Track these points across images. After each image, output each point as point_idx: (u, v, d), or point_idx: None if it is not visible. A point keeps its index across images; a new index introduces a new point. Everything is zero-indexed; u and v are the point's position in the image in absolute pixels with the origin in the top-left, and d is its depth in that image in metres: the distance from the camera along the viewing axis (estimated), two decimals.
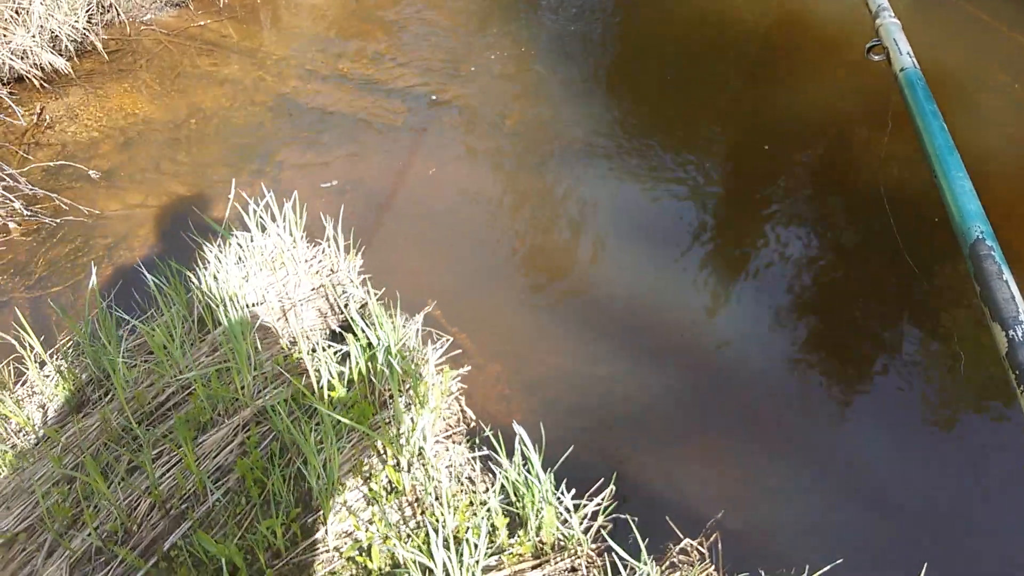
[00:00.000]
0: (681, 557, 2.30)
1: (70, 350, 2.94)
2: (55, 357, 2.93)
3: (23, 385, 2.89)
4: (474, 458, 2.45)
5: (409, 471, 2.35)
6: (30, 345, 2.83)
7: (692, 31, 5.13)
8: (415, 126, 4.23)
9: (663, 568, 2.20)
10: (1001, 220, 3.59)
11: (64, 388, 2.71)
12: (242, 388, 2.50)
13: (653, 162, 4.03)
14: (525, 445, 2.18)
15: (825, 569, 2.26)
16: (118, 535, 2.28)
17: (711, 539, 2.37)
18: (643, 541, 2.14)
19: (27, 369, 2.79)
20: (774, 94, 4.60)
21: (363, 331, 2.48)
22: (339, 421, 2.32)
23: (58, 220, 3.69)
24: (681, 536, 2.35)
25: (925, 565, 2.20)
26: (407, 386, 2.48)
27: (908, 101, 1.19)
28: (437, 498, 2.26)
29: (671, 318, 3.25)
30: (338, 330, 2.92)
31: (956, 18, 5.12)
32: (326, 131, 4.21)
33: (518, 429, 2.20)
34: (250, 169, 3.94)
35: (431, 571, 2.04)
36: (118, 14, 4.72)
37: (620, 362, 3.04)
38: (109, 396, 2.71)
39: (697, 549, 2.33)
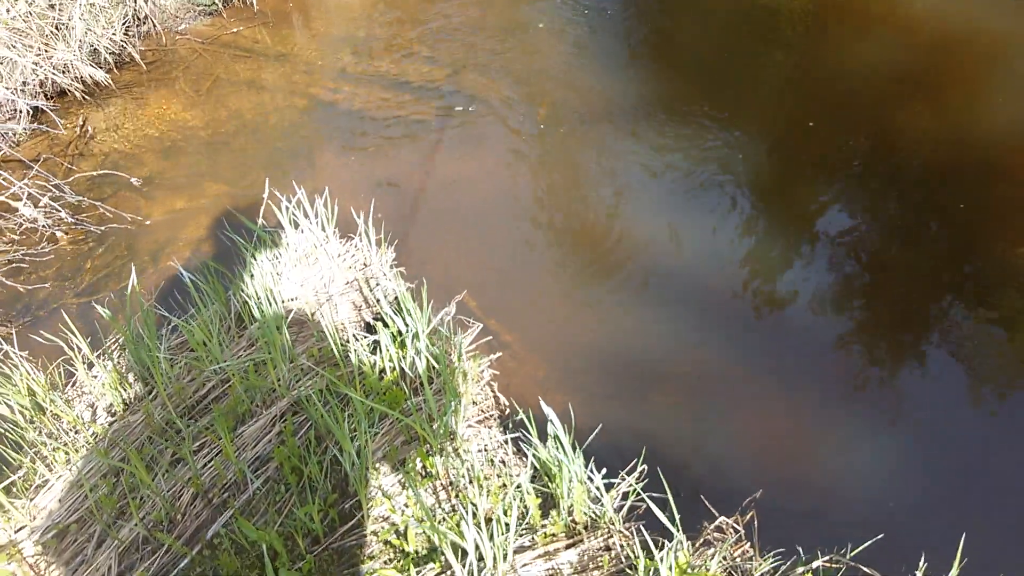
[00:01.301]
0: (716, 535, 2.29)
1: (115, 351, 3.03)
2: (102, 358, 3.03)
3: (73, 386, 2.99)
4: (506, 441, 2.47)
5: (442, 455, 2.38)
6: (78, 347, 2.93)
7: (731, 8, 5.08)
8: (446, 123, 4.27)
9: (697, 545, 2.19)
10: None
11: (111, 387, 2.80)
12: (278, 380, 2.55)
13: (693, 139, 4.01)
14: (554, 425, 2.19)
15: (866, 544, 2.23)
16: (163, 524, 2.35)
17: (747, 517, 2.36)
18: (678, 518, 2.14)
19: (76, 370, 2.89)
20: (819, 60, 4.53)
21: (392, 320, 2.52)
22: (371, 408, 2.36)
23: (103, 228, 3.80)
24: (716, 514, 2.34)
25: (964, 535, 2.16)
26: (438, 372, 2.51)
27: None
28: (470, 480, 2.29)
29: (708, 294, 3.24)
30: (371, 322, 2.97)
31: None
32: (360, 130, 4.27)
33: (547, 410, 2.21)
34: (286, 169, 4.02)
35: (464, 551, 2.06)
36: (154, 26, 4.84)
37: (653, 340, 3.04)
38: (153, 393, 2.79)
39: (732, 527, 2.32)
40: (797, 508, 2.51)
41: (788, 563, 2.22)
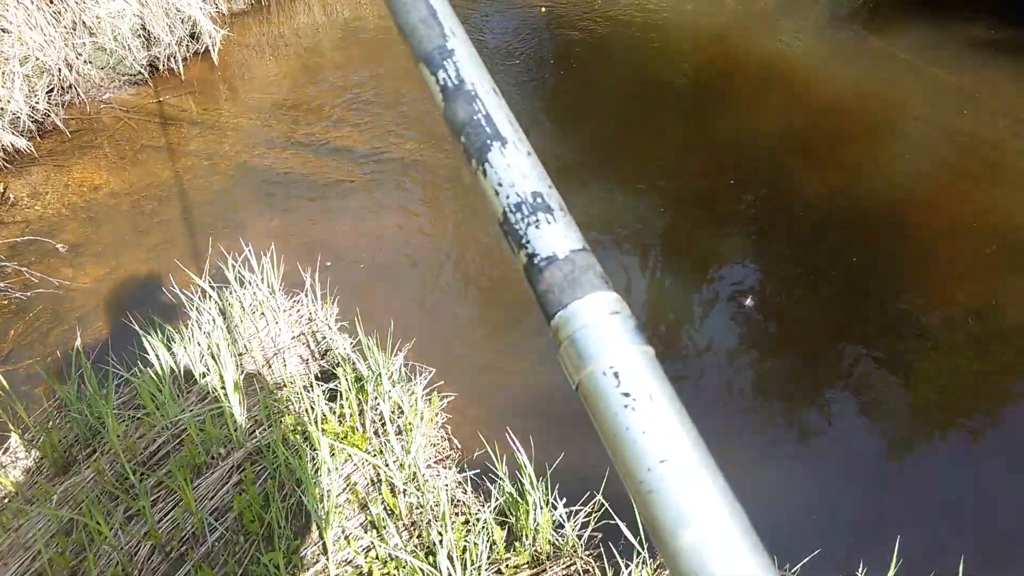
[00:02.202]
0: None
1: (52, 414, 2.96)
2: (37, 421, 2.95)
3: (5, 452, 2.90)
4: (464, 479, 2.54)
5: (404, 495, 2.42)
6: (12, 410, 2.86)
7: (634, 78, 5.43)
8: (371, 184, 4.40)
9: (654, 568, 2.30)
10: (934, 242, 3.88)
11: (51, 449, 2.73)
12: (235, 430, 2.56)
13: (600, 198, 4.25)
14: (520, 455, 2.28)
15: (805, 560, 2.38)
16: None
17: None
18: (635, 539, 2.25)
19: (8, 436, 2.81)
20: (718, 123, 4.89)
21: (353, 365, 2.58)
22: (334, 449, 2.40)
23: (28, 294, 3.73)
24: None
25: (899, 538, 2.34)
26: (399, 414, 2.57)
27: None
28: (435, 518, 2.34)
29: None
30: (320, 372, 3.01)
31: (875, 55, 5.53)
32: (288, 194, 4.34)
33: (513, 442, 2.30)
34: (216, 234, 4.04)
35: None
36: (78, 94, 4.83)
37: None
38: (97, 453, 2.73)
39: None
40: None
41: None
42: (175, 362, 2.88)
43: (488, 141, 0.48)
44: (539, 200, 0.46)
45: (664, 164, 4.65)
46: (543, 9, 5.70)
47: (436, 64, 0.51)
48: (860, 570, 2.36)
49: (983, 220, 4.08)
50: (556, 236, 0.44)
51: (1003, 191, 4.27)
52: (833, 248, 3.94)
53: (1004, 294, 3.65)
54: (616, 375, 0.40)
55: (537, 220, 0.45)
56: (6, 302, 3.71)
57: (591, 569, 2.31)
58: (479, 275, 3.80)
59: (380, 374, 2.52)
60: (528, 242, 0.45)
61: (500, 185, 0.47)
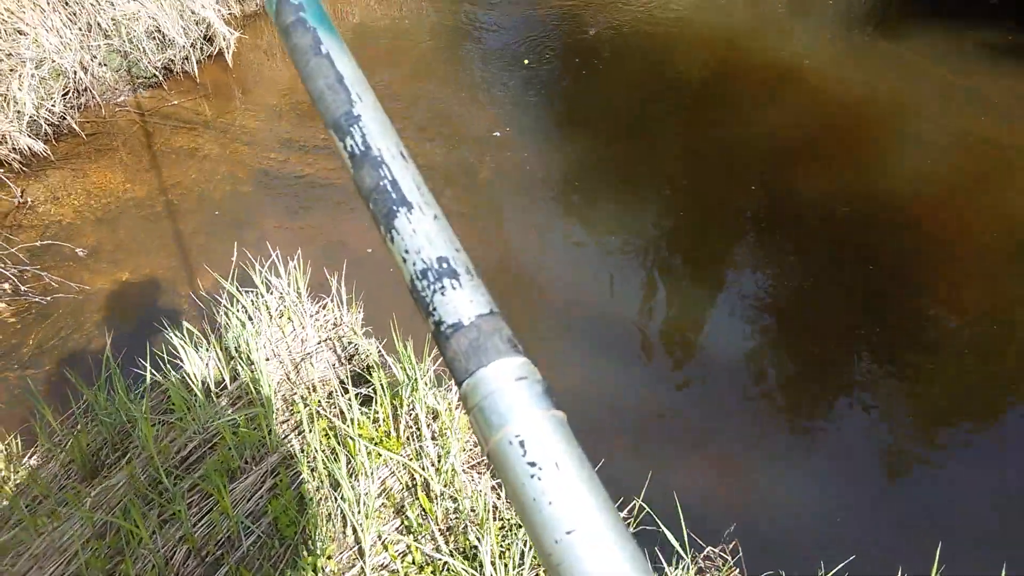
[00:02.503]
0: (706, 563, 2.41)
1: (80, 417, 2.96)
2: (64, 425, 2.95)
3: (31, 457, 2.90)
4: (498, 483, 2.54)
5: (440, 501, 2.43)
6: (39, 414, 2.86)
7: (644, 82, 5.44)
8: None
9: (693, 573, 2.30)
10: (945, 244, 3.89)
11: (79, 453, 2.73)
12: (269, 433, 2.56)
13: (611, 203, 4.26)
14: None
15: (840, 566, 2.39)
16: None
17: (731, 545, 2.49)
18: (677, 544, 2.25)
19: (36, 440, 2.81)
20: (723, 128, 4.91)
21: (384, 370, 2.58)
22: (371, 453, 2.40)
23: (48, 298, 3.73)
24: (703, 544, 2.46)
25: (939, 547, 2.34)
26: (433, 418, 2.58)
27: None
28: (472, 522, 2.34)
29: (634, 346, 3.43)
30: (346, 380, 3.01)
31: (885, 57, 5.54)
32: (305, 197, 4.34)
33: None
34: (233, 238, 4.03)
35: None
36: (93, 97, 4.82)
37: (586, 394, 3.19)
38: (127, 457, 2.73)
39: (720, 555, 2.45)
40: (767, 538, 2.67)
41: None
42: (205, 366, 2.88)
43: (394, 207, 0.48)
44: (444, 265, 0.46)
45: (675, 167, 4.65)
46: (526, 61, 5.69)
47: (344, 130, 0.51)
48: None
49: (995, 223, 4.09)
50: (462, 302, 0.44)
51: (1015, 194, 4.29)
52: (845, 251, 3.95)
53: (1011, 296, 3.67)
54: (522, 444, 0.40)
55: (443, 286, 0.45)
56: (26, 307, 3.70)
57: None
58: (501, 277, 3.81)
59: (416, 378, 2.52)
60: (435, 309, 0.45)
61: (407, 252, 0.46)
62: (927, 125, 4.87)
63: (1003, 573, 2.31)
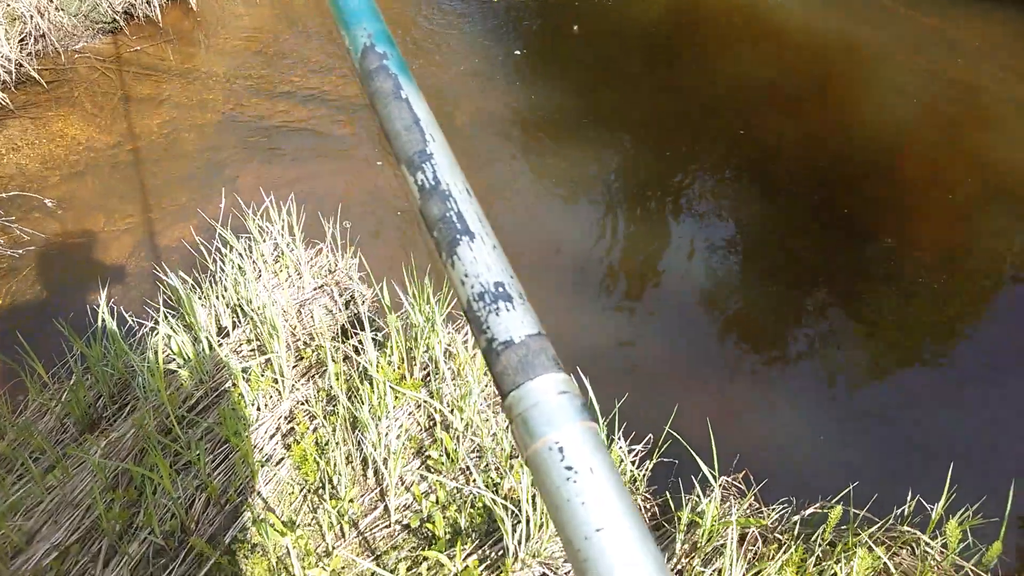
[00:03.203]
0: (722, 492, 2.45)
1: (78, 369, 2.86)
2: (56, 379, 2.86)
3: (26, 410, 2.80)
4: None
5: (461, 441, 2.42)
6: (29, 368, 2.76)
7: (608, 28, 5.40)
8: (363, 132, 4.30)
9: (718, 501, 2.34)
10: (917, 185, 3.98)
11: (77, 406, 2.65)
12: (282, 377, 2.52)
13: (583, 147, 4.25)
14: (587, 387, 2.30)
15: (843, 492, 2.45)
16: (176, 535, 2.25)
17: (741, 474, 2.54)
18: (709, 470, 2.29)
19: (26, 394, 2.72)
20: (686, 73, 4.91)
21: (399, 313, 2.55)
22: (392, 393, 2.38)
23: (20, 251, 3.58)
24: (717, 475, 2.50)
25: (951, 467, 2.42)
26: (449, 358, 2.56)
27: None
28: (497, 458, 2.34)
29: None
30: (346, 324, 2.96)
31: (859, 3, 5.58)
32: (277, 144, 4.22)
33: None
34: (208, 185, 3.91)
35: (505, 523, 2.12)
36: (51, 43, 4.59)
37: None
38: (128, 408, 2.66)
39: (735, 485, 2.50)
40: (766, 470, 2.73)
41: (791, 509, 2.41)
42: (205, 314, 2.80)
43: (458, 236, 0.53)
44: (500, 289, 0.51)
45: (644, 114, 4.64)
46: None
47: (416, 166, 0.57)
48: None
49: (967, 165, 4.19)
50: (514, 322, 0.49)
51: (985, 136, 4.39)
52: (818, 193, 4.01)
53: (981, 233, 3.78)
54: (561, 450, 0.44)
55: (497, 308, 0.50)
56: None
57: (651, 507, 2.35)
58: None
59: (434, 319, 2.50)
60: (488, 327, 0.50)
61: (466, 276, 0.52)
62: (899, 69, 4.93)
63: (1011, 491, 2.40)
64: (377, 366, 2.42)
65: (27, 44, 4.48)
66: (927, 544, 2.26)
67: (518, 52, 5.04)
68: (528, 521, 2.12)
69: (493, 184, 4.02)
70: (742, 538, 2.30)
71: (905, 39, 5.18)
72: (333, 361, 2.47)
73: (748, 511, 2.39)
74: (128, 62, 4.78)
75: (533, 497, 2.14)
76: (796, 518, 2.41)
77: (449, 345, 2.61)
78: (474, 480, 2.33)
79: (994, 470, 2.76)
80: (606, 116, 4.57)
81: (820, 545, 2.24)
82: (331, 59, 4.88)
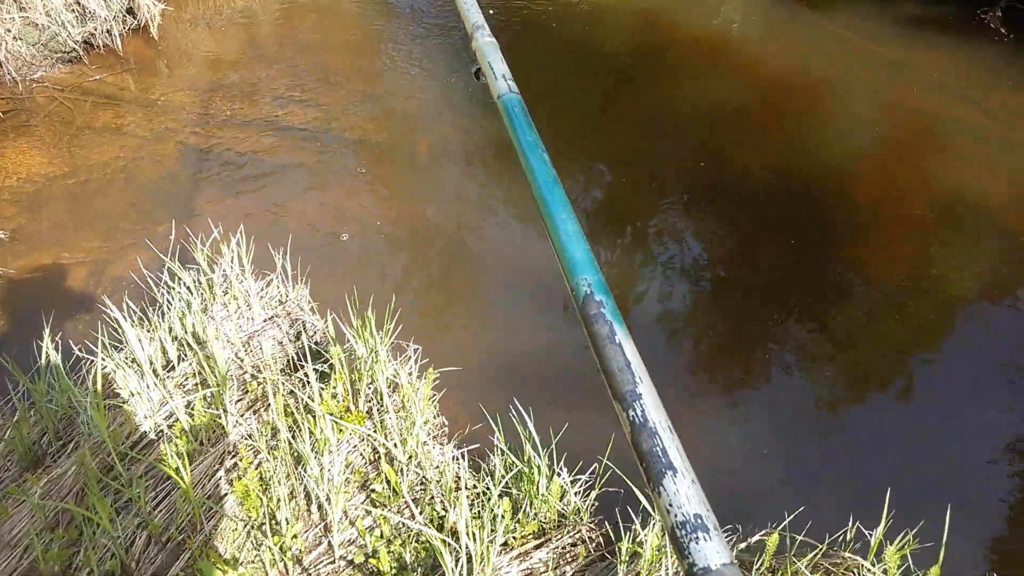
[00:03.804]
0: None
1: (22, 406, 2.83)
2: (1, 415, 2.83)
3: None
4: (462, 455, 2.55)
5: (405, 474, 2.42)
6: None
7: (568, 57, 5.46)
8: (323, 160, 4.31)
9: (660, 534, 2.35)
10: (872, 210, 4.05)
11: (19, 444, 2.61)
12: (225, 413, 2.50)
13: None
14: (528, 425, 2.30)
15: (790, 519, 2.47)
16: (116, 574, 2.23)
17: None
18: (634, 510, 2.30)
19: None
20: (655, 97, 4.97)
21: (340, 344, 2.55)
22: (335, 427, 2.37)
23: None
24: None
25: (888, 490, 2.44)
26: (393, 391, 2.56)
27: (509, 130, 1.06)
28: (441, 492, 2.34)
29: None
30: (298, 357, 2.95)
31: (813, 32, 5.69)
32: (236, 175, 4.21)
33: (520, 410, 2.31)
34: (165, 217, 3.88)
35: (444, 557, 2.12)
36: (8, 72, 4.58)
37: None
38: (73, 444, 2.64)
39: None
40: (732, 490, 2.74)
41: (736, 536, 2.43)
42: (151, 347, 2.78)
43: (663, 469, 0.60)
44: (699, 520, 0.57)
45: (608, 137, 4.69)
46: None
47: (628, 403, 0.65)
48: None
49: (920, 190, 4.27)
50: (711, 552, 0.55)
51: (937, 160, 4.47)
52: (775, 219, 4.06)
53: (934, 259, 3.84)
54: None
55: (697, 537, 0.56)
56: None
57: (595, 537, 2.36)
58: (436, 246, 3.78)
59: (377, 351, 2.50)
60: (689, 553, 0.56)
61: (671, 505, 0.58)
62: (853, 96, 5.03)
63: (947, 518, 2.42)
64: (320, 399, 2.42)
65: None
66: (868, 570, 2.28)
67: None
68: (470, 557, 2.12)
69: (458, 211, 4.04)
70: None
71: (859, 68, 5.28)
72: (275, 394, 2.46)
73: None
74: (87, 91, 4.77)
75: (474, 534, 2.14)
76: (743, 545, 2.42)
77: (394, 376, 2.61)
78: (419, 514, 2.32)
79: (933, 496, 2.79)
80: (563, 140, 4.61)
81: (761, 572, 2.25)
82: (292, 90, 4.89)
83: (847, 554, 2.32)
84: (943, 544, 2.24)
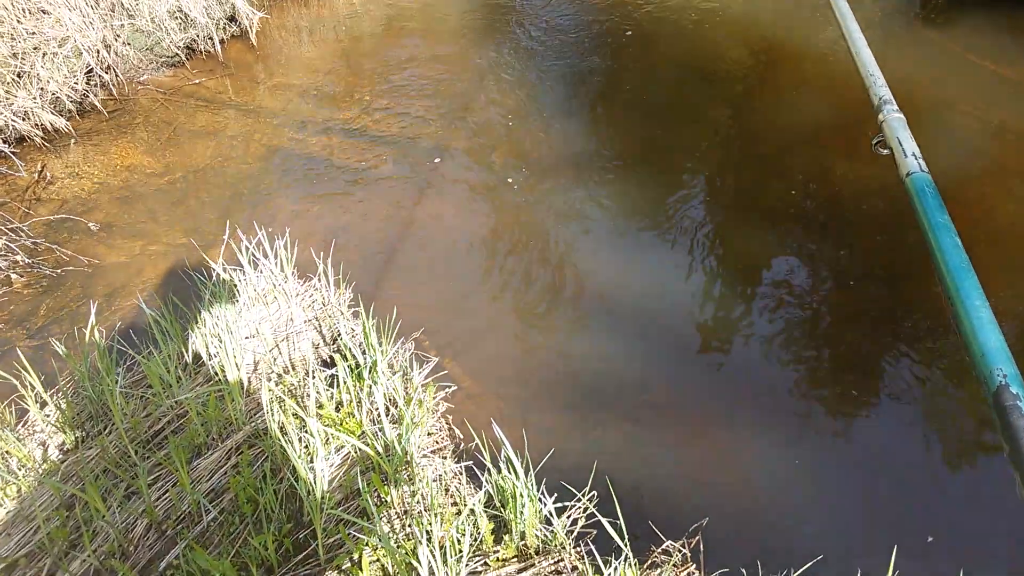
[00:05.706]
0: (663, 556, 2.36)
1: (70, 389, 3.03)
2: (55, 396, 3.03)
3: (24, 424, 2.98)
4: (460, 471, 2.53)
5: (396, 484, 2.42)
6: (31, 385, 2.93)
7: (680, 73, 5.33)
8: (405, 172, 4.39)
9: (644, 566, 2.25)
10: (980, 236, 3.73)
11: (64, 423, 2.80)
12: (236, 412, 2.59)
13: (640, 185, 4.18)
14: (506, 448, 2.26)
15: (806, 567, 2.31)
16: (116, 556, 2.34)
17: (694, 541, 2.43)
18: (625, 543, 2.21)
19: (28, 409, 2.88)
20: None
21: (351, 354, 2.58)
22: (327, 436, 2.41)
23: (59, 271, 3.81)
24: (663, 538, 2.41)
25: (895, 549, 2.25)
26: (394, 403, 2.57)
27: (916, 210, 1.05)
28: (426, 509, 2.33)
29: (656, 332, 3.35)
30: (329, 359, 3.02)
31: (927, 50, 5.33)
32: (320, 179, 4.36)
33: (500, 435, 2.28)
34: (244, 217, 4.07)
35: (417, 573, 2.10)
36: (116, 75, 4.92)
37: (603, 375, 3.13)
38: (108, 429, 2.79)
39: (679, 550, 2.39)
40: (743, 535, 2.59)
41: None
42: (184, 343, 2.92)
43: None
44: None
45: (709, 157, 4.54)
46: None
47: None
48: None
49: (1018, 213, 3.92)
50: None
51: None
52: (874, 245, 3.82)
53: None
54: None
55: None
56: (38, 279, 3.80)
57: (579, 567, 2.28)
58: (511, 266, 3.77)
59: (376, 361, 2.52)
60: None
61: None
62: (964, 117, 4.66)
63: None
64: (319, 405, 2.46)
65: (93, 76, 4.81)
66: None
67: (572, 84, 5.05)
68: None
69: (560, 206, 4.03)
70: None
71: (972, 88, 4.89)
72: (276, 399, 2.53)
73: None
74: (188, 94, 5.06)
75: (460, 552, 2.12)
76: None
77: (402, 387, 2.62)
78: (402, 528, 2.32)
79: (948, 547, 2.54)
80: (672, 154, 4.51)
81: None
82: (384, 100, 5.01)
83: None
84: None
